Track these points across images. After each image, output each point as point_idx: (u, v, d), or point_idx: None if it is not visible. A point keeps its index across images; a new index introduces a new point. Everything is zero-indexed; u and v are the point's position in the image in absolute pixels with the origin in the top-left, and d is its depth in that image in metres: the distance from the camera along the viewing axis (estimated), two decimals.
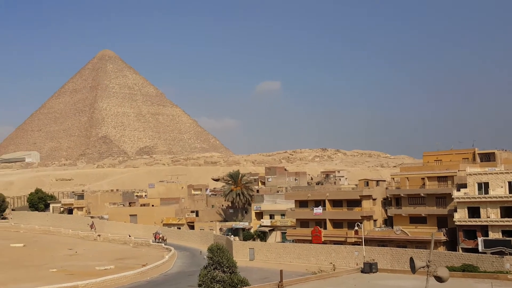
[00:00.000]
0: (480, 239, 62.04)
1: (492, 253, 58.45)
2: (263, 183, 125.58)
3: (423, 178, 72.53)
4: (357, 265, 61.36)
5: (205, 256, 71.81)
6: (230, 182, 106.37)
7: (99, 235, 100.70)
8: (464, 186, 66.14)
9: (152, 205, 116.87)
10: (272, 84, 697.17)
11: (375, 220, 75.33)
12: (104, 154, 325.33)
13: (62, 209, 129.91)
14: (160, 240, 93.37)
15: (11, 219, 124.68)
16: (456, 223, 65.31)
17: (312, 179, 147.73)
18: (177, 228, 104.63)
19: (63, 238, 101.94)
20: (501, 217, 62.10)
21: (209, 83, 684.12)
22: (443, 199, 69.23)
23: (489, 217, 62.70)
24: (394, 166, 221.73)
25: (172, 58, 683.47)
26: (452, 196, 65.91)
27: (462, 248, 64.12)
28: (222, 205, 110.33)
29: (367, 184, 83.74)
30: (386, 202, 75.90)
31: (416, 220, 71.45)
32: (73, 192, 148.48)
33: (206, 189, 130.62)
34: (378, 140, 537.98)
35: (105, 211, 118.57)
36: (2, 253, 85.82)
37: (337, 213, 75.91)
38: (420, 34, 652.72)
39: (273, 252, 73.17)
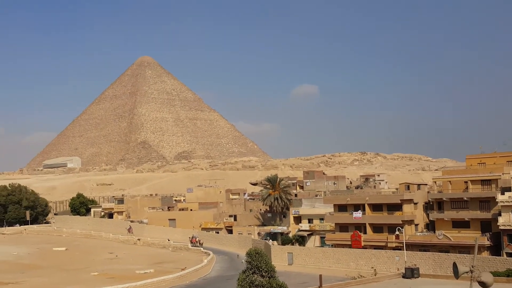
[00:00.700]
0: None
1: None
2: (301, 187, 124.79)
3: (466, 182, 70.75)
4: (398, 270, 60.32)
5: (243, 260, 71.65)
6: (268, 186, 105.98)
7: (138, 239, 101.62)
8: (509, 189, 64.29)
9: (191, 210, 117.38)
10: (309, 88, 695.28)
11: (416, 225, 73.81)
12: (143, 159, 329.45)
13: (102, 213, 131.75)
14: (197, 244, 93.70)
15: (53, 223, 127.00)
16: (500, 228, 63.51)
17: (351, 183, 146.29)
18: (215, 232, 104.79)
19: (104, 242, 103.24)
20: None
21: (247, 88, 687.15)
22: (487, 203, 67.41)
23: None
24: (436, 170, 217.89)
25: (210, 63, 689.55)
26: (496, 200, 64.16)
27: (506, 253, 62.26)
28: (260, 210, 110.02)
29: (408, 188, 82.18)
30: (428, 206, 74.37)
31: (459, 224, 69.73)
32: (113, 196, 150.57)
33: (244, 194, 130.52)
34: (419, 143, 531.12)
35: (145, 216, 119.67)
36: (45, 257, 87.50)
37: (377, 217, 74.69)
38: (464, 38, 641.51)
39: (312, 257, 72.37)
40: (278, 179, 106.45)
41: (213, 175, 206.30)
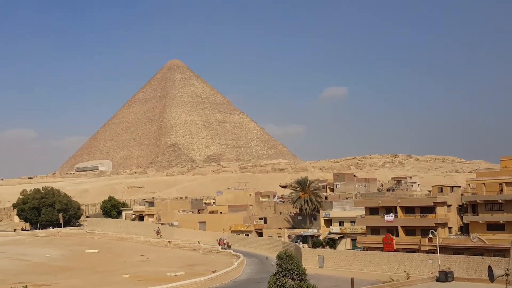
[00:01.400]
0: None
1: None
2: (332, 190, 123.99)
3: (500, 184, 69.32)
4: (431, 273, 59.45)
5: (272, 263, 71.40)
6: (298, 189, 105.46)
7: (169, 242, 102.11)
8: None
9: (221, 212, 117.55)
10: (338, 90, 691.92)
11: (450, 228, 72.60)
12: (173, 162, 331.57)
13: (133, 216, 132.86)
14: (225, 246, 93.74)
15: (86, 226, 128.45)
16: None
17: (382, 185, 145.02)
18: (245, 235, 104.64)
19: (135, 245, 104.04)
20: None
21: (275, 90, 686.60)
22: None
23: None
24: (470, 172, 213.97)
25: (239, 66, 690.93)
26: None
27: None
28: (290, 212, 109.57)
29: (441, 190, 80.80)
30: (462, 209, 73.07)
31: (494, 227, 68.37)
32: (144, 199, 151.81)
33: (274, 196, 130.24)
34: (452, 145, 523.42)
35: (175, 218, 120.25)
36: (78, 259, 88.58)
37: (410, 220, 73.65)
38: (498, 38, 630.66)
39: (343, 260, 71.65)
40: (308, 182, 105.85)
41: (242, 177, 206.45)
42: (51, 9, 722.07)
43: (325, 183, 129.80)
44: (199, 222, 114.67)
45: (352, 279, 54.49)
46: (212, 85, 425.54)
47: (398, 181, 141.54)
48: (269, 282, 40.19)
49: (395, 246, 72.42)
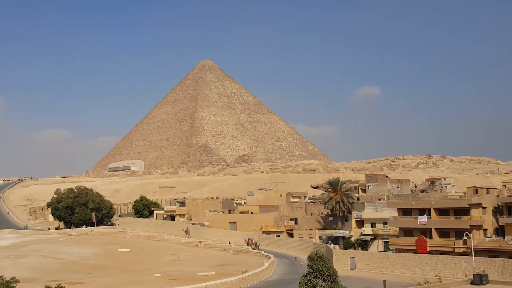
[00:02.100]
0: None
1: None
2: (364, 191, 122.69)
3: None
4: (466, 276, 58.48)
5: (302, 263, 70.95)
6: (330, 189, 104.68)
7: (200, 242, 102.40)
8: None
9: (251, 213, 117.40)
10: (371, 90, 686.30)
11: (485, 230, 71.00)
12: (204, 163, 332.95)
13: (165, 215, 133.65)
14: (253, 246, 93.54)
15: (118, 225, 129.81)
16: None
17: (415, 186, 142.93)
18: (276, 235, 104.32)
19: (166, 244, 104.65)
20: None
21: (307, 90, 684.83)
22: None
23: None
24: (506, 173, 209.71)
25: (270, 66, 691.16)
26: None
27: None
28: (321, 213, 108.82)
29: (476, 191, 79.15)
30: (497, 211, 71.38)
31: None
32: (175, 199, 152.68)
33: (305, 197, 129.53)
34: (487, 146, 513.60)
35: (206, 218, 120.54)
36: (110, 258, 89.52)
37: (444, 222, 72.29)
38: None
39: (375, 262, 70.80)
40: (340, 182, 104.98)
41: (273, 178, 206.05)
42: (82, 9, 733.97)
43: (357, 184, 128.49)
44: (230, 222, 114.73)
45: (384, 281, 53.86)
46: (243, 86, 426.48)
47: (432, 182, 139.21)
48: (300, 283, 39.89)
49: (428, 248, 71.23)
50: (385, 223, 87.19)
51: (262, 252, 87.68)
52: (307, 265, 40.38)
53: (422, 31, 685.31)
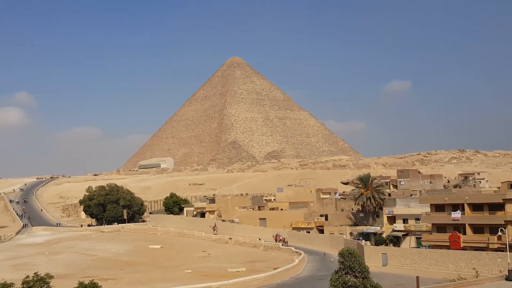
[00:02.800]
0: None
1: None
2: (395, 187, 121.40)
3: None
4: (500, 272, 57.36)
5: (332, 259, 70.39)
6: (360, 185, 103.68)
7: (230, 238, 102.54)
8: None
9: (281, 209, 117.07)
10: (402, 84, 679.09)
11: None
12: (234, 159, 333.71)
13: (195, 212, 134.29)
14: (282, 242, 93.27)
15: (149, 222, 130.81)
16: None
17: (448, 182, 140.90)
18: (306, 232, 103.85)
19: (197, 241, 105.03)
20: None
21: (336, 86, 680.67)
22: None
23: None
24: None
25: (299, 62, 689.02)
26: None
27: None
28: (352, 209, 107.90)
29: (511, 186, 77.52)
30: None
31: None
32: (204, 196, 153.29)
33: (335, 193, 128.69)
34: None
35: (235, 215, 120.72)
36: (142, 254, 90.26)
37: (478, 217, 70.97)
38: None
39: (407, 258, 69.94)
40: (371, 178, 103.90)
41: (303, 174, 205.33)
42: (109, 7, 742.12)
43: (388, 180, 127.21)
44: (260, 218, 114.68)
45: (417, 277, 53.02)
46: (272, 82, 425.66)
47: (466, 177, 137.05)
48: (331, 279, 39.49)
49: (462, 244, 70.08)
50: (417, 219, 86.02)
51: (292, 248, 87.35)
52: (338, 261, 39.95)
53: (455, 27, 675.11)
